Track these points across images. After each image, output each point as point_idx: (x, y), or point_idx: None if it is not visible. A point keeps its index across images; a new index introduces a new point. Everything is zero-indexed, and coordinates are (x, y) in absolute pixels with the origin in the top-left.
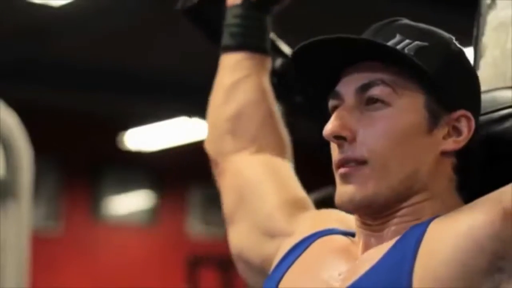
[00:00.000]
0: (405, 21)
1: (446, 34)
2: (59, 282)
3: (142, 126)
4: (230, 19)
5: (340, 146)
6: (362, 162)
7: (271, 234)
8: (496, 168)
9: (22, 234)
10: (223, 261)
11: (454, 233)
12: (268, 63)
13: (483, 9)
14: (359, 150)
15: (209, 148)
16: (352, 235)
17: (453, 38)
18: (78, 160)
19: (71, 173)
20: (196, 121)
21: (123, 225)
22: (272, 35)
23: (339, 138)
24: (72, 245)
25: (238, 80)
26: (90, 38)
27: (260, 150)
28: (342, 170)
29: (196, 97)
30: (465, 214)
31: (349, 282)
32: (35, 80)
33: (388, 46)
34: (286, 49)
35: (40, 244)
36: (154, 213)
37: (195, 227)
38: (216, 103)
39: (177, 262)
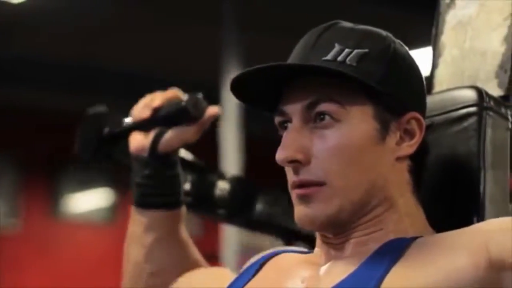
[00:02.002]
0: (342, 24)
1: (384, 33)
2: (17, 280)
3: None
4: (137, 177)
5: (295, 169)
6: (321, 184)
7: None
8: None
9: None
10: None
11: (434, 268)
12: (182, 213)
13: (442, 8)
14: (315, 172)
15: None
16: (304, 253)
17: (391, 35)
18: (37, 157)
19: (30, 170)
20: None
21: (83, 223)
22: (180, 152)
23: (293, 162)
24: (31, 242)
25: (153, 241)
26: (51, 34)
27: None
28: (300, 191)
29: None
30: (451, 249)
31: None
32: None
33: (324, 68)
34: (192, 159)
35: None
36: (113, 211)
37: None
38: (135, 259)
39: None
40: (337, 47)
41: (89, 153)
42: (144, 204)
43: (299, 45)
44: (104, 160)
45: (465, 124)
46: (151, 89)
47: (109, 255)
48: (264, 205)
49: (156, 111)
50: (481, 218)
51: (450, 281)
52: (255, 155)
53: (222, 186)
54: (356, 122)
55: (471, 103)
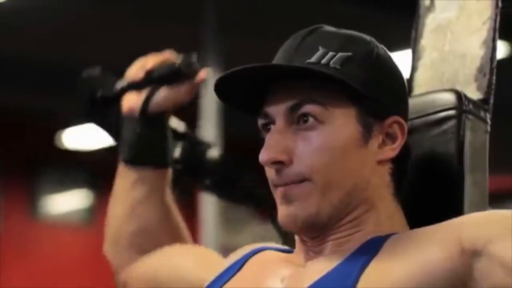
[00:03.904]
0: (326, 28)
1: (368, 38)
2: None
3: (81, 125)
4: (127, 135)
5: (278, 171)
6: (302, 180)
7: None
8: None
9: None
10: None
11: (409, 262)
12: (167, 174)
13: (422, 11)
14: (298, 171)
15: (109, 257)
16: (285, 251)
17: (375, 40)
18: (16, 158)
19: (9, 171)
20: None
21: (61, 224)
22: (170, 120)
23: (276, 163)
24: (10, 243)
25: (138, 199)
26: (27, 35)
27: None
28: (282, 189)
29: None
30: (423, 242)
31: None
32: None
33: (308, 69)
34: (181, 127)
35: None
36: (91, 212)
37: None
38: (118, 217)
39: None
40: (321, 50)
41: (86, 115)
42: (131, 160)
43: (283, 48)
44: (100, 122)
45: (445, 127)
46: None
47: (88, 256)
48: (251, 179)
49: (149, 72)
50: None
51: (425, 272)
52: (234, 155)
53: (211, 155)
54: (340, 124)
55: (450, 106)
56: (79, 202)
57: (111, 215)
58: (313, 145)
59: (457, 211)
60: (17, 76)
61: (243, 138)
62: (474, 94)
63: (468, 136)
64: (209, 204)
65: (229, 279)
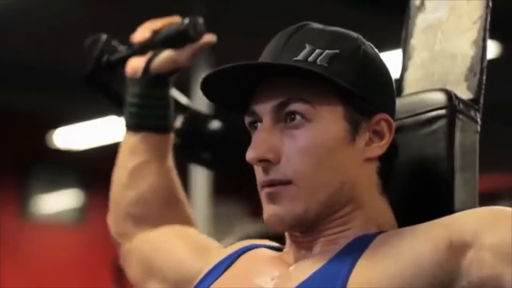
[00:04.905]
0: (313, 25)
1: (355, 35)
2: None
3: (72, 125)
4: (129, 97)
5: (265, 169)
6: (287, 182)
7: (187, 279)
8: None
9: None
10: None
11: (398, 258)
12: (170, 140)
13: (412, 11)
14: (284, 171)
15: (111, 226)
16: (277, 249)
17: (362, 37)
18: (7, 158)
19: (0, 171)
20: None
21: (53, 224)
22: (172, 91)
23: (263, 161)
24: (1, 243)
25: (139, 164)
26: (18, 35)
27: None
28: (268, 190)
29: None
30: (412, 238)
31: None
32: None
33: (295, 66)
34: (183, 99)
35: None
36: (83, 212)
37: None
38: (119, 184)
39: (106, 262)
40: (308, 48)
41: (89, 80)
42: (133, 124)
43: (269, 46)
44: (103, 89)
45: (435, 126)
46: None
47: (79, 255)
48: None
49: (156, 33)
50: None
51: (414, 267)
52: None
53: (212, 128)
54: (327, 122)
55: (440, 105)
56: (71, 202)
57: (113, 184)
58: (299, 143)
59: (447, 211)
60: (8, 76)
61: None
62: (464, 93)
63: (458, 136)
64: (200, 202)
65: (219, 276)
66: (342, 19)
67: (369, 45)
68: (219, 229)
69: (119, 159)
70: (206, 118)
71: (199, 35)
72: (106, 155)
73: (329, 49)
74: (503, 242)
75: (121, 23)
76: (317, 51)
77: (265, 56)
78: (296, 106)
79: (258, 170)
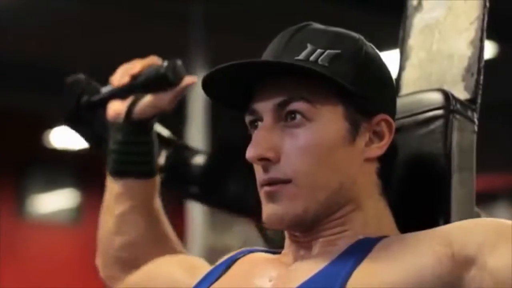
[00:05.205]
0: (315, 26)
1: (356, 36)
2: None
3: None
4: (112, 144)
5: (265, 167)
6: (287, 181)
7: None
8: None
9: None
10: None
11: (400, 266)
12: (155, 183)
13: (410, 11)
14: (284, 170)
15: (100, 269)
16: (273, 253)
17: (363, 38)
18: (3, 157)
19: None
20: None
21: (49, 224)
22: (156, 127)
23: (263, 159)
24: None
25: (125, 211)
26: (14, 34)
27: None
28: (267, 188)
29: None
30: (415, 247)
31: None
32: None
33: (297, 66)
34: (166, 133)
35: None
36: (79, 212)
37: None
38: (106, 229)
39: None
40: (309, 47)
41: (69, 120)
42: (117, 171)
43: (271, 46)
44: (83, 130)
45: (432, 126)
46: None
47: (76, 255)
48: (237, 185)
49: (134, 77)
50: (447, 220)
51: (415, 277)
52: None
53: (197, 162)
54: (327, 122)
55: (438, 106)
56: (67, 202)
57: (100, 229)
58: (299, 143)
59: (444, 211)
60: (4, 75)
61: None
62: (461, 94)
63: (455, 136)
64: (196, 205)
65: (215, 280)
66: (340, 19)
67: (370, 46)
68: (217, 228)
69: (105, 204)
70: (189, 153)
71: (179, 79)
72: (103, 155)
73: (330, 49)
74: (503, 266)
75: (121, 23)
76: (319, 51)
77: (267, 55)
78: (297, 105)
79: (258, 169)
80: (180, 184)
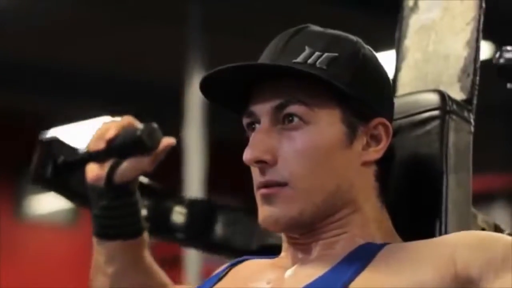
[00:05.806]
0: (313, 28)
1: (354, 38)
2: None
3: (65, 125)
4: (96, 209)
5: (262, 170)
6: (284, 184)
7: None
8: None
9: None
10: None
11: (402, 278)
12: (144, 240)
13: (406, 12)
14: (280, 173)
15: None
16: (268, 258)
17: (361, 41)
18: (1, 158)
19: None
20: None
21: (46, 225)
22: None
23: (260, 162)
24: None
25: (118, 271)
26: (12, 35)
27: None
28: (264, 191)
29: (120, 97)
30: (417, 260)
31: None
32: None
33: (294, 68)
34: (149, 183)
35: None
36: (76, 213)
37: None
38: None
39: None
40: (307, 50)
41: (43, 181)
42: (103, 235)
43: (269, 48)
44: (59, 188)
45: (428, 127)
46: (114, 90)
47: (73, 256)
48: (223, 227)
49: (110, 142)
50: (443, 221)
51: None
52: (219, 156)
53: (180, 211)
54: (325, 125)
55: (434, 106)
56: (64, 203)
57: (93, 285)
58: (296, 145)
59: (440, 212)
60: (2, 77)
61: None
62: (457, 94)
63: (451, 137)
64: None
65: (214, 284)
66: (337, 20)
67: (368, 48)
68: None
69: (95, 264)
70: (171, 201)
71: (156, 143)
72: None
73: (328, 52)
74: None
75: (121, 24)
76: (317, 53)
77: (265, 58)
78: (294, 108)
79: (255, 171)
80: (165, 233)
